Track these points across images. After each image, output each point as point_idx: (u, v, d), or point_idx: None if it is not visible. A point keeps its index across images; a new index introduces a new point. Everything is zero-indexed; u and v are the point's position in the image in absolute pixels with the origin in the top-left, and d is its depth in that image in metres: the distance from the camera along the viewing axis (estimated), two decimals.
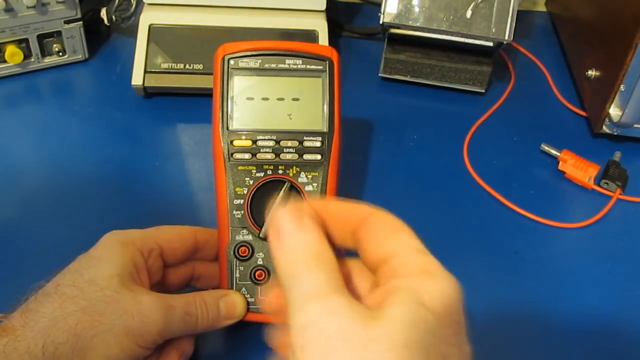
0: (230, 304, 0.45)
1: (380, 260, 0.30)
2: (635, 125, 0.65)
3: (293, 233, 0.30)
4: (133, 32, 0.71)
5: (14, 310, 0.40)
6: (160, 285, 0.46)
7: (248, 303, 0.46)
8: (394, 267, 0.30)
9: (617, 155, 0.66)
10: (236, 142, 0.47)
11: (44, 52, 0.72)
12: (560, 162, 0.65)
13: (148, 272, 0.44)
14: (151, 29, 0.69)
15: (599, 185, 0.64)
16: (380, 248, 0.31)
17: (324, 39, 0.71)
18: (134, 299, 0.40)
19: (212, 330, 0.45)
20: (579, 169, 0.64)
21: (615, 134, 0.67)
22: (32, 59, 0.71)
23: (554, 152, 0.66)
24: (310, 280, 0.29)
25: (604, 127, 0.67)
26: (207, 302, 0.44)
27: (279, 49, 0.48)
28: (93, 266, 0.41)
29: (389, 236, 0.31)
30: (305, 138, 0.47)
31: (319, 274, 0.29)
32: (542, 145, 0.67)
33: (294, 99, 0.48)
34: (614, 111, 0.65)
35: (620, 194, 0.63)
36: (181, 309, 0.42)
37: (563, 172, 0.65)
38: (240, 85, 0.47)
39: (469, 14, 0.68)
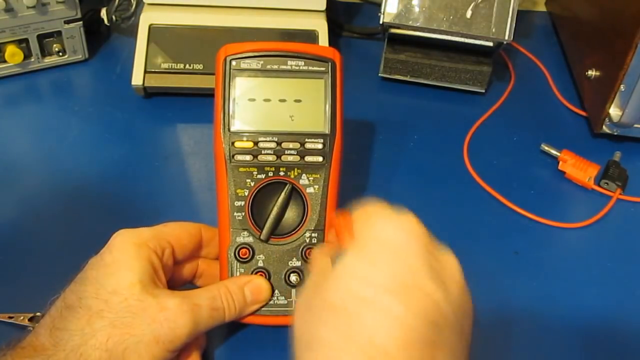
0: (255, 290, 0.45)
1: None
2: (635, 125, 0.65)
3: None
4: (133, 32, 0.71)
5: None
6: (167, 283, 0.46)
7: (272, 286, 0.46)
8: None
9: (617, 155, 0.66)
10: (237, 144, 0.47)
11: (44, 52, 0.72)
12: (560, 162, 0.65)
13: (163, 270, 0.44)
14: (151, 29, 0.69)
15: (599, 185, 0.64)
16: None
17: (324, 39, 0.71)
18: (159, 305, 0.40)
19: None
20: (579, 169, 0.64)
21: (615, 134, 0.67)
22: (32, 59, 0.71)
23: (554, 152, 0.66)
24: None
25: (604, 127, 0.67)
26: (233, 291, 0.44)
27: (281, 50, 0.48)
28: (112, 274, 0.41)
29: None
30: (307, 140, 0.47)
31: None
32: (542, 145, 0.67)
33: (296, 101, 0.48)
34: (614, 111, 0.65)
35: (620, 194, 0.63)
36: (207, 306, 0.42)
37: (563, 172, 0.65)
38: (242, 86, 0.47)
39: (469, 14, 0.68)
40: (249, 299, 0.45)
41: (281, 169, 0.47)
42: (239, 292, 0.44)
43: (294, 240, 0.47)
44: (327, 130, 0.48)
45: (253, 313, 0.46)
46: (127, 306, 0.39)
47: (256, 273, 0.46)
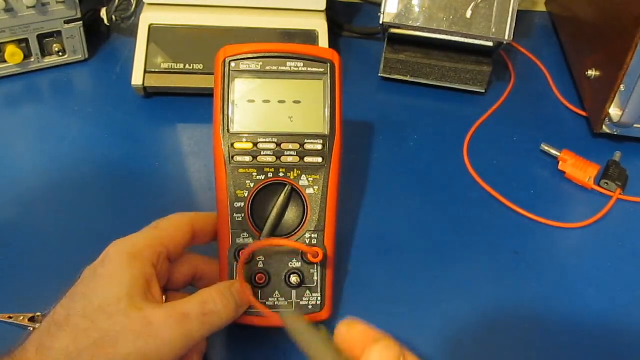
0: (239, 291, 0.44)
1: None
2: (635, 125, 0.65)
3: None
4: (133, 32, 0.71)
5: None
6: (165, 286, 0.46)
7: (254, 284, 0.46)
8: None
9: (617, 155, 0.66)
10: (237, 145, 0.47)
11: (44, 52, 0.72)
12: (560, 162, 0.65)
13: (157, 278, 0.43)
14: (151, 29, 0.69)
15: (599, 185, 0.64)
16: None
17: (324, 39, 0.71)
18: (144, 320, 0.39)
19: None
20: (579, 169, 0.64)
21: (615, 134, 0.67)
22: (32, 59, 0.71)
23: (554, 152, 0.66)
24: None
25: (604, 127, 0.67)
26: (224, 292, 0.43)
27: (280, 51, 0.48)
28: (101, 288, 0.40)
29: None
30: (306, 141, 0.47)
31: None
32: (542, 145, 0.67)
33: (295, 102, 0.48)
34: (614, 111, 0.65)
35: (620, 194, 0.63)
36: (197, 312, 0.41)
37: (563, 172, 0.65)
38: (241, 88, 0.47)
39: (469, 14, 0.68)
40: (238, 301, 0.44)
41: (281, 170, 0.47)
42: (229, 293, 0.43)
43: None
44: (326, 131, 0.48)
45: (245, 313, 0.45)
46: (112, 324, 0.38)
47: (257, 274, 0.46)
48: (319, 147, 0.47)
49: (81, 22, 0.72)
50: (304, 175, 0.47)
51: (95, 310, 0.39)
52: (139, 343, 0.38)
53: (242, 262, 0.45)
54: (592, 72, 0.68)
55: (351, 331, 0.36)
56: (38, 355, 0.38)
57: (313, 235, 0.47)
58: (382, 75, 0.74)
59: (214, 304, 0.42)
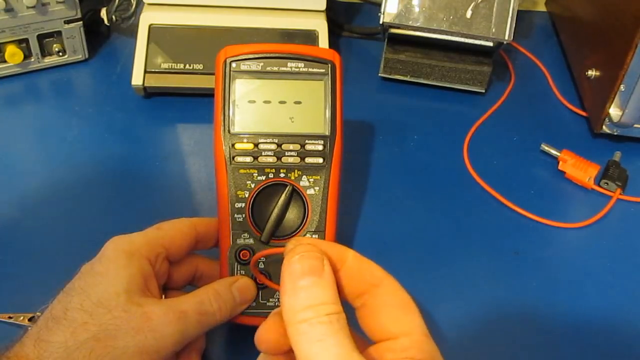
0: (242, 289, 0.45)
1: (389, 333, 0.33)
2: (635, 125, 0.65)
3: (311, 286, 0.31)
4: (133, 32, 0.71)
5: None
6: (165, 285, 0.46)
7: (257, 284, 0.46)
8: (404, 347, 0.32)
9: (617, 155, 0.66)
10: (238, 145, 0.47)
11: (44, 52, 0.72)
12: (560, 162, 0.65)
13: (155, 277, 0.43)
14: (151, 29, 0.69)
15: (599, 185, 0.64)
16: (391, 324, 0.33)
17: (324, 39, 0.71)
18: (143, 316, 0.39)
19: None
20: (579, 169, 0.64)
21: (615, 134, 0.67)
22: (32, 59, 0.71)
23: (554, 152, 0.66)
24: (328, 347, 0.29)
25: (604, 127, 0.67)
26: (221, 292, 0.43)
27: (281, 52, 0.48)
28: (99, 284, 0.40)
29: (401, 314, 0.33)
30: (307, 141, 0.47)
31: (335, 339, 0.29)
32: (542, 145, 0.67)
33: (296, 102, 0.48)
34: (614, 111, 0.65)
35: (620, 194, 0.63)
36: (194, 311, 0.41)
37: (563, 172, 0.65)
38: (242, 88, 0.48)
39: (469, 14, 0.68)
40: (237, 299, 0.44)
41: (281, 170, 0.47)
42: (227, 293, 0.44)
43: None
44: (327, 132, 0.48)
45: (242, 313, 0.46)
46: (111, 318, 0.39)
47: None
48: (320, 147, 0.47)
49: (81, 22, 0.72)
50: (304, 176, 0.47)
51: (94, 304, 0.39)
52: (138, 337, 0.39)
53: (253, 263, 0.45)
54: (592, 72, 0.68)
55: (298, 247, 0.35)
56: (36, 349, 0.38)
57: (314, 236, 0.47)
58: (382, 75, 0.74)
59: (210, 304, 0.43)
